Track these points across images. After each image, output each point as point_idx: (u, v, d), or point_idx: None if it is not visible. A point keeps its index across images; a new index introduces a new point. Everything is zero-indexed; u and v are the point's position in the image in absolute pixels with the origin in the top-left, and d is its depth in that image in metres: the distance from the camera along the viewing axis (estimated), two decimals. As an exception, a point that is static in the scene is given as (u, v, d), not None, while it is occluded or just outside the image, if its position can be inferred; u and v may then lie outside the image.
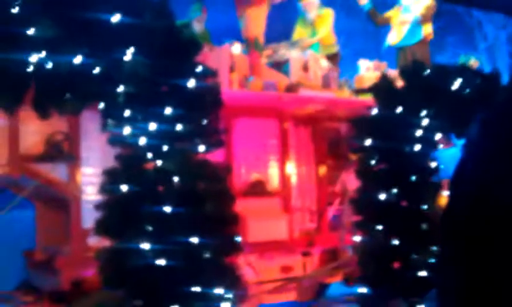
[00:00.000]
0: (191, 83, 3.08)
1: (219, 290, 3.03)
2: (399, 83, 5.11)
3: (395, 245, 4.26)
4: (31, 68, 2.58)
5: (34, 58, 2.55)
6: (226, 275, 3.11)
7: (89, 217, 5.14)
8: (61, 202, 5.45)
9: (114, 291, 3.10)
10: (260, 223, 6.55)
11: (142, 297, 2.96)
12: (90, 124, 5.20)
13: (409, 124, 4.55)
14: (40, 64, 2.59)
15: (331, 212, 7.39)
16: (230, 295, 3.06)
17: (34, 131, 5.19)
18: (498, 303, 0.92)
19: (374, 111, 4.93)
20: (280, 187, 6.91)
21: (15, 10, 2.45)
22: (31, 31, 2.52)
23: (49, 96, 2.73)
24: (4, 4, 2.48)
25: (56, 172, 5.28)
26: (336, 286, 7.30)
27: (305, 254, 7.10)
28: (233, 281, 3.16)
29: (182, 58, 3.17)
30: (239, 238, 3.26)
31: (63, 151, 5.29)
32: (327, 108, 6.96)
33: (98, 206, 3.12)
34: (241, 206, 6.30)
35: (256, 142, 6.74)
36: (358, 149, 5.07)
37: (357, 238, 4.84)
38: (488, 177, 0.95)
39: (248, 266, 6.38)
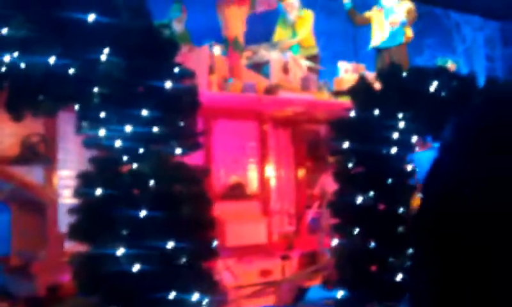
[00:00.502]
0: (168, 84, 3.05)
1: (195, 296, 3.00)
2: (377, 85, 5.14)
3: (372, 249, 4.28)
4: (3, 69, 2.52)
5: (7, 58, 2.49)
6: (202, 280, 3.07)
7: (65, 221, 5.06)
8: (37, 205, 5.35)
9: (89, 297, 3.05)
10: (239, 226, 6.52)
11: (117, 303, 2.92)
12: (67, 126, 5.11)
13: (386, 126, 4.58)
14: (13, 65, 2.54)
15: (310, 215, 7.39)
16: (206, 301, 3.03)
17: (9, 133, 5.09)
18: (470, 304, 0.92)
19: (352, 114, 4.95)
20: (259, 190, 6.89)
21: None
22: (3, 30, 2.46)
23: (23, 98, 2.67)
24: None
25: (32, 175, 5.19)
26: (315, 289, 7.30)
27: (284, 257, 7.09)
28: (210, 286, 3.12)
29: (159, 59, 3.14)
30: (215, 243, 3.23)
31: (39, 153, 5.20)
32: (306, 110, 6.97)
33: (72, 211, 3.06)
34: (220, 209, 6.30)
35: (235, 144, 6.71)
36: (335, 151, 5.09)
37: (335, 242, 4.85)
38: (459, 178, 0.95)
39: (226, 270, 6.35)
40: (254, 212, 6.83)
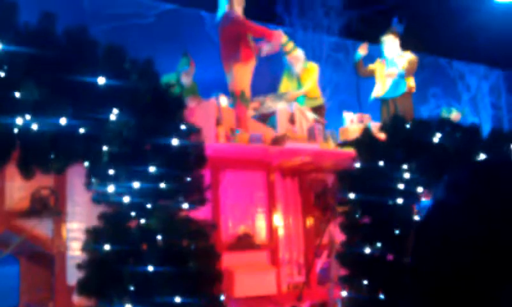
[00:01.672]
0: (175, 141, 3.14)
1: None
2: (382, 136, 5.21)
3: (381, 300, 4.25)
4: (16, 130, 2.62)
5: (19, 120, 2.60)
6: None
7: (74, 274, 5.09)
8: (45, 258, 5.39)
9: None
10: (248, 277, 6.50)
11: None
12: (76, 179, 5.20)
13: (392, 177, 4.62)
14: (25, 125, 2.64)
15: (319, 264, 7.36)
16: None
17: (19, 186, 5.18)
18: None
19: (357, 165, 5.00)
20: (267, 240, 6.89)
21: (1, 74, 2.51)
22: (16, 94, 2.57)
23: (34, 156, 2.76)
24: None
25: (41, 227, 5.25)
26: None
27: (294, 308, 7.02)
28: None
29: (166, 117, 3.23)
30: (223, 297, 3.24)
31: (49, 206, 5.27)
32: (313, 160, 7.03)
33: (80, 266, 3.10)
34: (228, 260, 6.31)
35: (243, 194, 6.76)
36: (342, 202, 5.12)
37: (344, 293, 4.83)
38: (450, 234, 1.02)
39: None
40: (262, 262, 6.82)
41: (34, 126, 2.65)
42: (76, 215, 5.38)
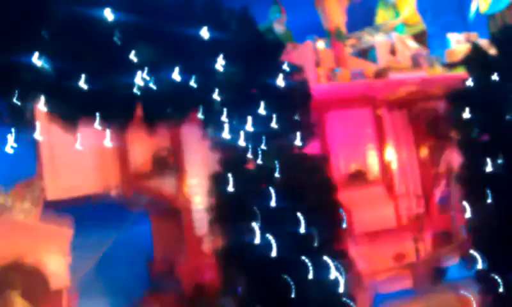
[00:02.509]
0: (280, 82, 3.21)
1: (332, 275, 3.12)
2: (492, 51, 4.92)
3: (507, 216, 4.11)
4: (136, 89, 2.84)
5: (138, 79, 2.81)
6: (337, 261, 3.19)
7: (200, 225, 5.44)
8: (173, 213, 5.79)
9: (232, 284, 3.29)
10: (366, 213, 6.53)
11: (258, 288, 3.12)
12: (190, 138, 5.51)
13: (507, 91, 4.38)
14: (143, 84, 2.85)
15: (438, 194, 7.20)
16: (343, 280, 3.14)
17: (140, 151, 5.57)
18: None
19: (469, 83, 4.79)
20: (381, 175, 6.84)
21: (118, 39, 2.72)
22: (132, 57, 2.77)
23: (155, 112, 2.98)
24: (108, 36, 2.76)
25: (165, 186, 5.63)
26: (454, 269, 7.08)
27: (417, 239, 6.96)
28: (345, 265, 3.23)
29: (268, 60, 3.31)
30: (344, 225, 3.33)
31: (169, 165, 5.64)
32: (420, 88, 6.81)
33: (209, 209, 3.33)
34: (344, 198, 6.35)
35: (351, 133, 6.73)
36: (457, 124, 4.95)
37: (468, 214, 4.71)
38: None
39: (359, 257, 6.37)
40: (379, 197, 6.80)
41: (152, 84, 2.86)
42: (195, 171, 5.70)
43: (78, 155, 4.75)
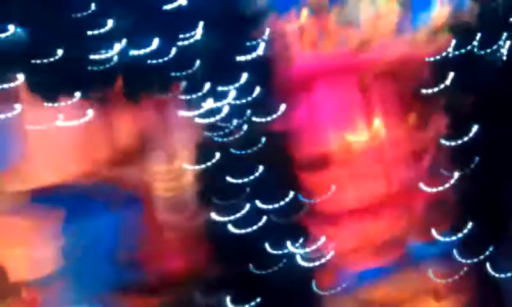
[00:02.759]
0: (260, 50, 3.17)
1: (295, 247, 3.11)
2: (474, 11, 4.90)
3: (491, 177, 4.13)
4: (115, 58, 2.79)
5: (117, 46, 2.76)
6: (301, 233, 3.20)
7: (165, 212, 5.29)
8: (137, 202, 5.66)
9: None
10: (357, 184, 6.55)
11: (223, 264, 3.11)
12: (175, 117, 5.44)
13: (489, 51, 4.36)
14: (122, 54, 2.80)
15: (427, 159, 7.23)
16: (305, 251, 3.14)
17: (105, 139, 5.44)
18: None
19: (452, 45, 4.78)
20: (371, 143, 6.85)
21: (92, 8, 2.66)
22: (109, 22, 2.70)
23: (136, 82, 2.93)
24: (81, 6, 2.70)
25: (129, 174, 5.54)
26: (421, 248, 7.08)
27: (388, 218, 6.96)
28: (307, 237, 3.23)
29: (247, 28, 3.27)
30: (308, 199, 3.30)
31: (134, 153, 5.55)
32: (405, 54, 6.79)
33: (196, 178, 3.31)
34: (333, 169, 6.36)
35: (338, 103, 6.71)
36: (442, 86, 4.94)
37: (456, 176, 4.73)
38: None
39: (329, 236, 6.35)
40: (369, 166, 6.81)
41: (130, 54, 2.81)
42: (159, 159, 5.60)
43: (39, 144, 4.64)
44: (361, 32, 6.84)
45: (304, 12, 6.90)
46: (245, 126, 3.28)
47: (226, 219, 3.02)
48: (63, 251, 5.65)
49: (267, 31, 3.43)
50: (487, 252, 4.35)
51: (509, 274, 4.25)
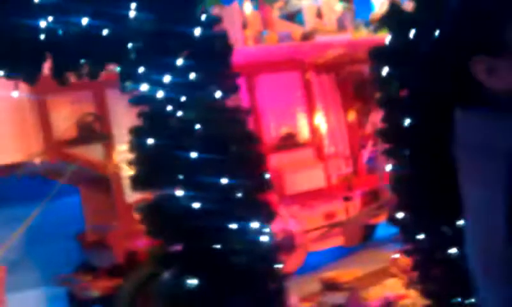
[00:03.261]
0: (198, 31, 3.18)
1: (255, 225, 3.16)
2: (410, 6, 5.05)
3: (425, 169, 4.27)
4: (43, 35, 2.71)
5: (43, 24, 2.68)
6: (260, 210, 3.23)
7: (131, 191, 5.33)
8: (102, 182, 5.66)
9: (156, 238, 3.27)
10: (297, 174, 6.66)
11: (181, 241, 3.12)
12: (116, 102, 5.36)
13: (423, 46, 4.51)
14: (51, 31, 2.73)
15: (365, 154, 7.42)
16: (266, 229, 3.19)
17: (64, 116, 5.38)
18: None
19: (388, 39, 4.90)
20: (311, 137, 6.98)
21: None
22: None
23: (66, 63, 2.87)
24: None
25: (92, 153, 5.48)
26: (383, 227, 7.34)
27: (346, 198, 7.18)
28: (268, 215, 3.28)
29: (185, 8, 3.26)
30: (267, 176, 3.37)
31: (96, 131, 5.48)
32: (346, 51, 6.94)
33: (130, 163, 3.27)
34: (275, 160, 6.45)
35: (280, 96, 6.79)
36: (377, 80, 5.07)
37: (388, 167, 4.86)
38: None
39: (291, 217, 6.50)
40: (309, 159, 6.94)
41: (60, 31, 2.74)
42: (123, 136, 5.57)
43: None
44: (303, 27, 6.96)
45: (248, 5, 6.96)
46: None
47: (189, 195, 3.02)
48: (26, 232, 5.54)
49: (204, 11, 3.40)
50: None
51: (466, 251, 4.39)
